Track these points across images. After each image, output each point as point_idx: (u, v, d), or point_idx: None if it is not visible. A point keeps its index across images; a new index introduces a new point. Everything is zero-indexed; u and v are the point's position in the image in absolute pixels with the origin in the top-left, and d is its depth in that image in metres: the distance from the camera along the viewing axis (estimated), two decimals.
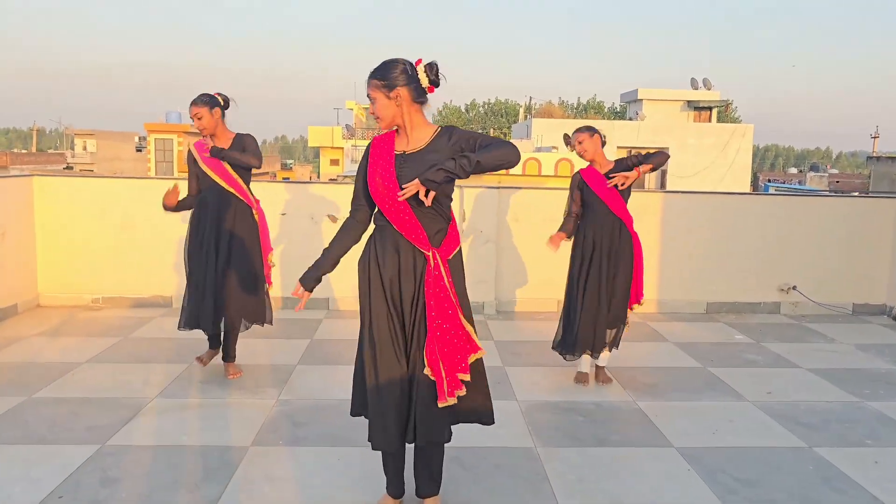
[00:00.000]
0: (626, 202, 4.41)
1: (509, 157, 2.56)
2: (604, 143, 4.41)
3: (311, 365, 4.90)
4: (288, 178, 60.41)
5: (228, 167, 4.32)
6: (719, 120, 40.52)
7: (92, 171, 53.86)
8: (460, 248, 2.80)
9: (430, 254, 2.66)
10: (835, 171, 66.79)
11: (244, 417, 3.91)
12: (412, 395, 2.70)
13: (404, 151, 2.70)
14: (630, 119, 39.35)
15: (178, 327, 4.52)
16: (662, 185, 35.35)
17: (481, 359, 2.80)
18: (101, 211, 6.46)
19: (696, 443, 3.71)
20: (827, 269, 6.86)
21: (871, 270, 6.87)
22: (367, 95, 2.72)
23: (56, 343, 5.30)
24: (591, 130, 4.40)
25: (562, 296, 4.64)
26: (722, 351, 5.47)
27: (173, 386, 4.39)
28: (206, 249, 4.34)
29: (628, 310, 4.53)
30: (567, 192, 4.61)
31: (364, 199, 2.79)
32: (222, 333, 4.57)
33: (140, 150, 58.77)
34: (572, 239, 4.56)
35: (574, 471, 3.36)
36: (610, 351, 4.57)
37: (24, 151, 63.00)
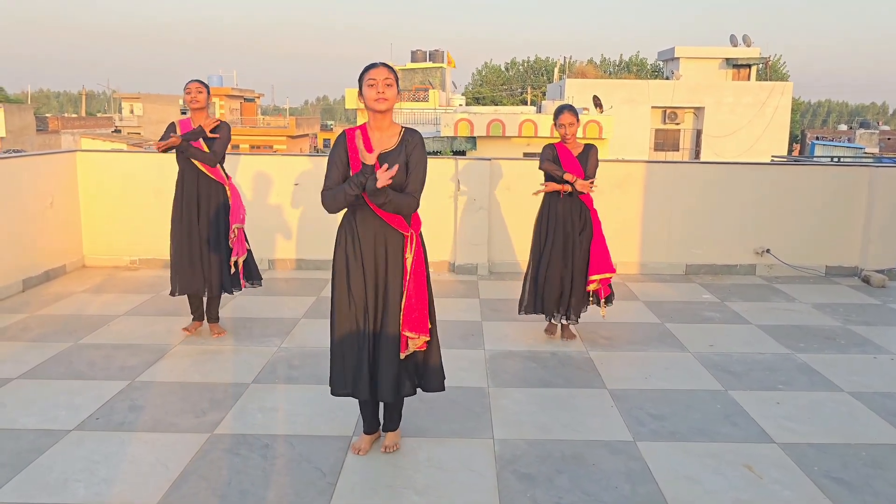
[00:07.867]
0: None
1: (410, 209, 3.15)
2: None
3: (314, 319, 5.62)
4: (328, 140, 61.10)
5: (203, 146, 4.80)
6: (762, 77, 39.78)
7: (139, 133, 55.59)
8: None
9: (409, 234, 3.22)
10: (886, 127, 64.78)
11: (249, 361, 4.66)
12: (377, 354, 3.28)
13: (381, 152, 3.12)
14: (667, 78, 38.93)
15: (171, 294, 5.01)
16: (697, 144, 35.16)
17: (436, 333, 3.39)
18: (136, 181, 7.25)
19: (627, 385, 4.33)
20: (802, 232, 7.30)
21: (845, 234, 7.29)
22: (374, 82, 3.07)
23: (98, 298, 6.14)
24: (576, 113, 4.83)
25: None
26: (685, 309, 6.03)
27: (194, 335, 5.16)
28: (185, 222, 4.85)
29: (600, 283, 4.96)
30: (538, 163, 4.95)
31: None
32: (204, 302, 5.14)
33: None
34: (538, 210, 5.10)
35: (515, 405, 4.02)
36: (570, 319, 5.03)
37: (74, 116, 65.10)
